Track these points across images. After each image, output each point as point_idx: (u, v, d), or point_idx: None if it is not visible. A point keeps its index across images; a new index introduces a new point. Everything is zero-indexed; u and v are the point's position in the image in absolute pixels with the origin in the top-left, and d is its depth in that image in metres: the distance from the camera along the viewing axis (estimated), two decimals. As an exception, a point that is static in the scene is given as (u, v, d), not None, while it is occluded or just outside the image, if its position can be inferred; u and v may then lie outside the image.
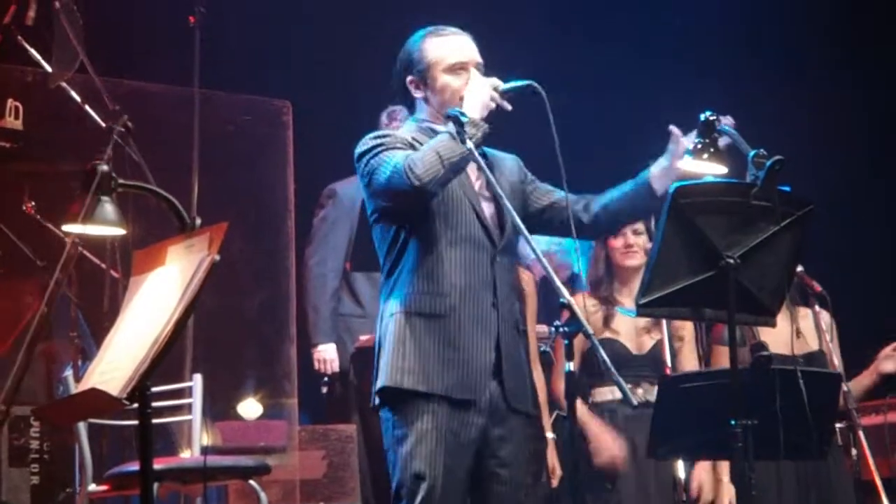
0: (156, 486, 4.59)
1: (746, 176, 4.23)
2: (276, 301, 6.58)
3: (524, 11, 8.09)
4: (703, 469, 5.68)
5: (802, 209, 4.20)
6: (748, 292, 4.18)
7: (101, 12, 6.16)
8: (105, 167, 3.53)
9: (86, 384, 3.27)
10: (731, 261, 4.10)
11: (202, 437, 5.31)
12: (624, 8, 8.22)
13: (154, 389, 3.28)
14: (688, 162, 4.44)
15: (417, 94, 4.35)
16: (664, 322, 5.69)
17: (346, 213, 6.65)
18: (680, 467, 5.59)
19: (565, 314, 4.05)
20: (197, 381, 5.35)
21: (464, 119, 4.11)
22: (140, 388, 3.14)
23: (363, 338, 6.59)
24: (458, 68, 4.28)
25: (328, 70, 7.69)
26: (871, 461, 5.59)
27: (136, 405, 3.19)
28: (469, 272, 4.17)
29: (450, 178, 4.09)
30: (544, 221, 4.40)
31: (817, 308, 5.76)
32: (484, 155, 4.28)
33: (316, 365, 6.65)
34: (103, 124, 5.81)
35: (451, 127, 4.13)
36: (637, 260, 5.73)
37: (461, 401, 4.13)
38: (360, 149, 4.24)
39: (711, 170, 4.50)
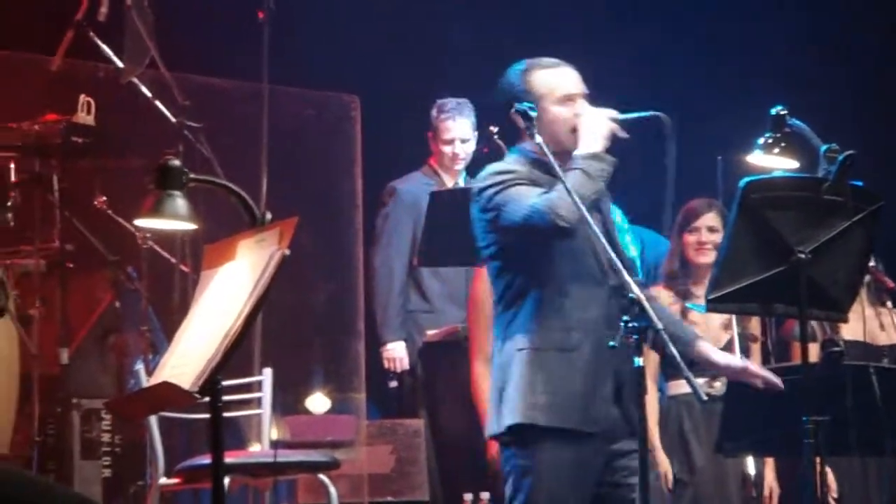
0: (226, 479, 4.62)
1: (818, 171, 4.19)
2: (344, 295, 6.60)
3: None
4: (771, 471, 5.67)
5: (874, 204, 4.16)
6: (820, 287, 4.15)
7: (170, 8, 6.20)
8: (176, 162, 3.55)
9: (157, 378, 3.30)
10: (803, 255, 4.07)
11: (272, 431, 5.35)
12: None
13: (224, 383, 3.30)
14: (758, 156, 4.41)
15: (525, 126, 4.27)
16: (734, 317, 5.66)
17: (407, 210, 6.68)
18: (750, 463, 5.56)
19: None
20: (267, 376, 5.38)
21: (532, 114, 4.13)
22: (211, 382, 3.16)
23: (430, 332, 6.60)
24: (567, 100, 4.26)
25: (396, 65, 7.70)
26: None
27: (207, 399, 3.21)
28: (590, 307, 4.14)
29: (588, 213, 4.06)
30: None
31: (889, 305, 5.71)
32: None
33: (385, 364, 6.68)
34: (174, 119, 5.86)
35: (578, 163, 4.11)
36: (709, 257, 5.70)
37: (589, 433, 4.14)
38: (482, 184, 4.23)
39: (782, 164, 4.47)
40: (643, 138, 4.20)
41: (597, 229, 4.09)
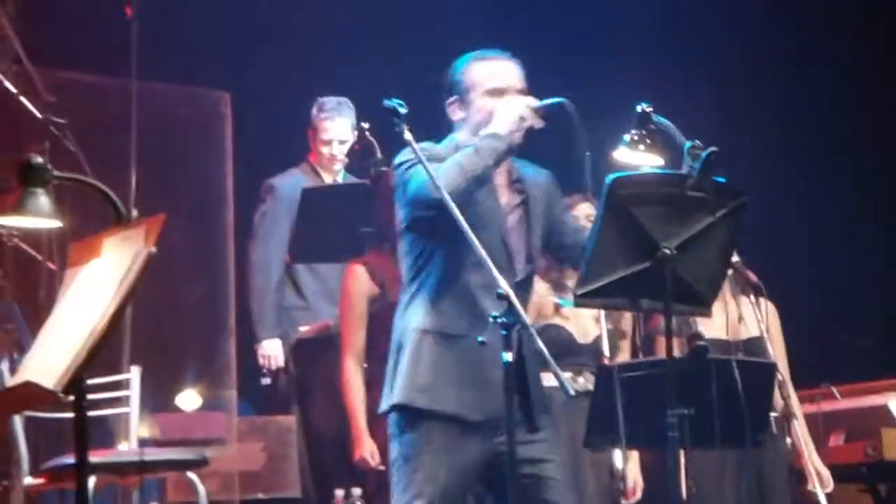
0: (92, 479, 4.57)
1: (682, 167, 4.25)
2: (215, 292, 6.56)
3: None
4: (635, 464, 5.73)
5: (736, 200, 4.23)
6: (684, 283, 4.21)
7: (36, 1, 6.11)
8: (39, 159, 3.51)
9: (20, 377, 3.25)
10: (668, 251, 4.13)
11: (140, 429, 5.30)
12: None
13: (91, 381, 3.27)
14: (624, 153, 4.47)
15: (456, 117, 4.38)
16: (603, 312, 5.71)
17: (285, 206, 6.65)
18: (617, 457, 5.62)
19: None
20: (135, 374, 5.34)
21: (401, 110, 4.14)
22: (76, 381, 3.12)
23: (303, 328, 6.58)
24: (498, 92, 4.30)
25: (270, 62, 7.66)
26: (803, 449, 5.67)
27: (72, 398, 3.18)
28: (489, 295, 4.07)
29: (472, 189, 4.12)
30: (559, 255, 4.64)
31: (752, 297, 5.79)
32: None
33: (260, 360, 6.64)
34: (39, 115, 5.78)
35: (474, 140, 4.18)
36: None
37: (474, 421, 4.17)
38: (397, 159, 4.28)
39: (648, 161, 4.52)
40: (553, 128, 4.26)
41: (481, 210, 4.19)
